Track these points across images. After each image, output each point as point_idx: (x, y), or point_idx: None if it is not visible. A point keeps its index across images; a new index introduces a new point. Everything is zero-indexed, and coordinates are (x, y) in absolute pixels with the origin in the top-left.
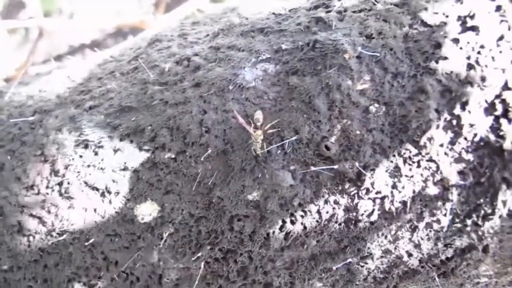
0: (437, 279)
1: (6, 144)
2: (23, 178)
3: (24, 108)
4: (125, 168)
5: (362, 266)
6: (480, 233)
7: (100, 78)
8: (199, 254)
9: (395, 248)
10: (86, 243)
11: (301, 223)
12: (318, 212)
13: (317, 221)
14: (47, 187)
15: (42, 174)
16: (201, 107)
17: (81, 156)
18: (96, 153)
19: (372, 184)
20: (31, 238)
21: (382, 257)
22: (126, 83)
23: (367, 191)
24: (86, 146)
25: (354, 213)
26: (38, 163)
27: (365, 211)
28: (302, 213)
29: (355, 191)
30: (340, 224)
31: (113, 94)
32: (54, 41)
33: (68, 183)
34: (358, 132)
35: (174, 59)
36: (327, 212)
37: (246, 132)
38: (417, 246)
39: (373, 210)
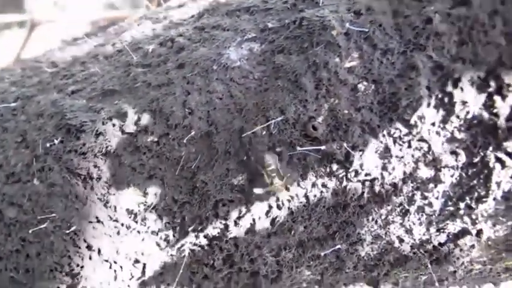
0: (429, 266)
1: None
2: (4, 165)
3: (7, 95)
4: (107, 153)
5: (352, 253)
6: (474, 216)
7: (83, 63)
8: (184, 241)
9: (386, 234)
10: (67, 231)
11: (288, 208)
12: (305, 196)
13: (304, 206)
14: (28, 174)
15: (24, 161)
16: (184, 88)
17: (62, 142)
18: (78, 138)
19: (361, 165)
20: (12, 227)
21: (372, 242)
22: (110, 67)
23: (356, 173)
24: (68, 131)
25: (343, 197)
26: (19, 150)
27: (354, 194)
28: (289, 198)
29: (344, 173)
30: (328, 209)
31: (95, 78)
32: (46, 35)
33: (49, 169)
34: (346, 111)
35: (158, 41)
36: (315, 196)
37: (231, 114)
38: (408, 231)
39: (363, 193)
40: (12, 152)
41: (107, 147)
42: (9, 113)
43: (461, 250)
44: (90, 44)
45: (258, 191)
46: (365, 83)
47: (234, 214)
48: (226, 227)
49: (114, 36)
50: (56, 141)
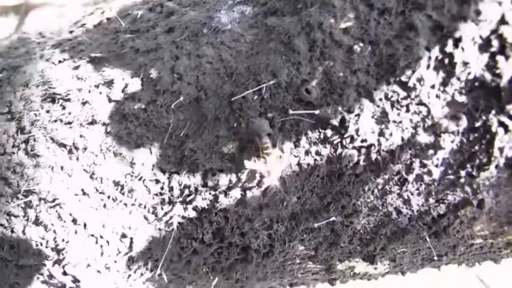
0: (428, 239)
1: None
2: None
3: None
4: (93, 122)
5: (347, 226)
6: (475, 185)
7: (71, 32)
8: (172, 214)
9: (382, 205)
10: (52, 204)
11: (281, 177)
12: (298, 164)
13: (297, 175)
14: (13, 146)
15: (9, 132)
16: (173, 53)
17: (48, 111)
18: (63, 107)
19: (357, 131)
20: None
21: (368, 215)
22: (97, 34)
23: (352, 139)
24: (53, 100)
25: (338, 165)
26: (4, 121)
27: (349, 162)
28: (281, 166)
29: (339, 140)
30: (322, 178)
31: (83, 46)
32: (39, 18)
33: (34, 140)
34: (341, 74)
35: (147, 6)
36: (308, 164)
37: (221, 78)
38: (406, 202)
39: (358, 161)
40: None
41: (93, 115)
42: None
43: (461, 222)
44: (78, 14)
45: (249, 164)
46: (361, 44)
47: (223, 184)
48: (216, 198)
49: (104, 5)
50: (41, 111)
